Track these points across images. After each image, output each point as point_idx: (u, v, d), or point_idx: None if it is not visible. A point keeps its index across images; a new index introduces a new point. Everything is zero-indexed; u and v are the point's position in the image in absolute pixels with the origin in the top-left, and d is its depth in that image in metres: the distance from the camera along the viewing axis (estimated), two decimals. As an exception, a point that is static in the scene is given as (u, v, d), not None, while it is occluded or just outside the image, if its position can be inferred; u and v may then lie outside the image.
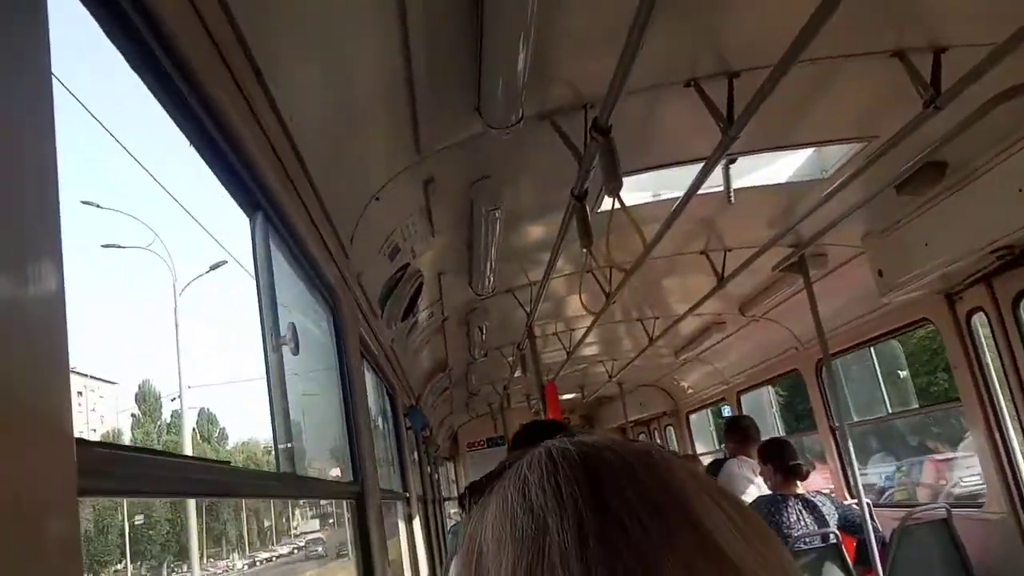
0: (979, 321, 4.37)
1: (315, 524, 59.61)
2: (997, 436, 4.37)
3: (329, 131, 2.14)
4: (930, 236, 3.99)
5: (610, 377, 9.46)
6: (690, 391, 9.94)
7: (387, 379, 3.86)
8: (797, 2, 2.04)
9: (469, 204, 3.34)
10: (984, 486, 4.74)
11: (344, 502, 2.46)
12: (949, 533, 4.70)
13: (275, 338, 1.45)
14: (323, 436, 2.25)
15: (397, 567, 3.57)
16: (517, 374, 7.42)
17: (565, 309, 6.01)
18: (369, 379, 3.26)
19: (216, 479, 1.02)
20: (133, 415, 56.71)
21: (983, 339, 4.40)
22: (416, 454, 6.14)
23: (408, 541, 4.51)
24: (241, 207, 1.48)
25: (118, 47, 1.06)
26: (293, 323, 1.55)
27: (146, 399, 57.41)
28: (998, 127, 3.19)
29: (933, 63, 2.72)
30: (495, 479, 0.62)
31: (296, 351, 1.53)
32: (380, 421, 4.02)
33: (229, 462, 1.17)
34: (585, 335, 6.14)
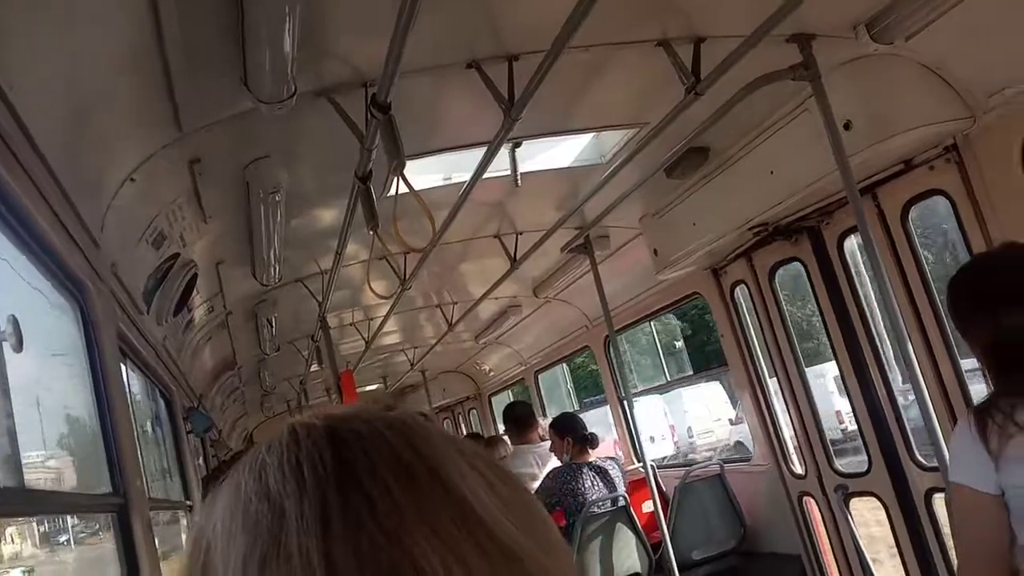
0: (741, 293, 4.81)
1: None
2: (760, 396, 4.84)
3: (62, 103, 1.87)
4: (697, 216, 4.31)
5: (412, 365, 9.41)
6: (491, 374, 10.15)
7: (160, 380, 3.52)
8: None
9: (244, 187, 3.11)
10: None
11: (105, 519, 2.20)
12: (723, 486, 5.18)
13: (-13, 334, 1.23)
14: (70, 445, 1.99)
15: (180, 583, 3.29)
16: (314, 368, 7.15)
17: (362, 298, 5.86)
18: (136, 380, 2.96)
19: None
20: None
21: (745, 309, 4.85)
22: (202, 459, 5.70)
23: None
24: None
25: None
26: (14, 316, 1.33)
27: None
28: (752, 114, 3.50)
29: (694, 52, 2.91)
30: (231, 465, 0.54)
31: (19, 348, 1.32)
32: (150, 425, 3.66)
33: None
34: (383, 323, 6.03)
